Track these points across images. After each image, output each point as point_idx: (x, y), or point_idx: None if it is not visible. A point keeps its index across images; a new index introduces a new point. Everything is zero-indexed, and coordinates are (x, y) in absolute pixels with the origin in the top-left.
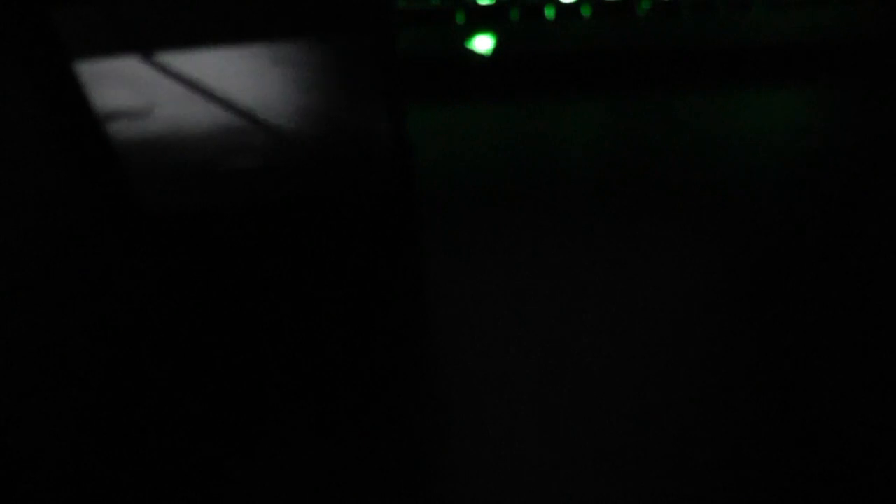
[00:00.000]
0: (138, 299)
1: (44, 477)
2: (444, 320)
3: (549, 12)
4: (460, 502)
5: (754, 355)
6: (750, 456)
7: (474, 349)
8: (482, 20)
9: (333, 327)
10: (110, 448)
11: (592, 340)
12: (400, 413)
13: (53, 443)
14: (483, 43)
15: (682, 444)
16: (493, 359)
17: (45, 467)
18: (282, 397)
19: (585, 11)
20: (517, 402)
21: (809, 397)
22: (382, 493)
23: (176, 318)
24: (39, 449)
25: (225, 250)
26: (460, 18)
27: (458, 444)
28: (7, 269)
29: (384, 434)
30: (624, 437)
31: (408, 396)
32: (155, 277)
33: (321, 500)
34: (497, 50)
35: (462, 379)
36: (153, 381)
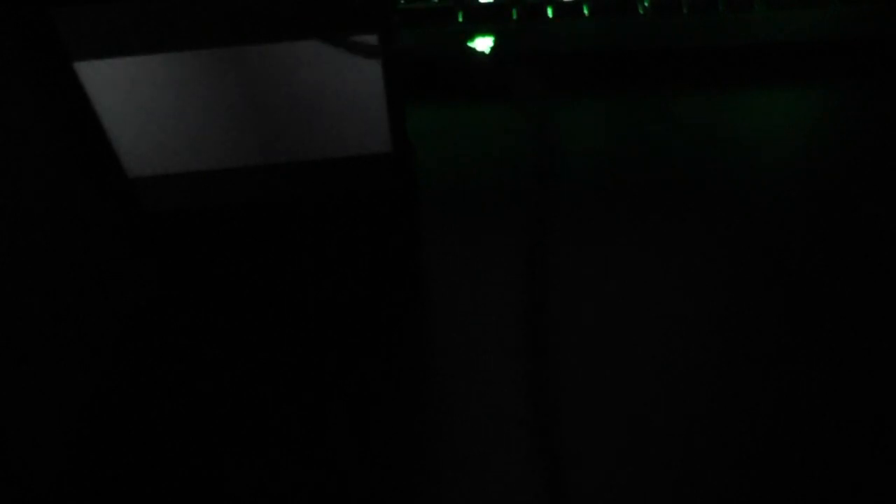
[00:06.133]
0: (138, 299)
1: (44, 477)
2: (443, 320)
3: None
4: (460, 502)
5: (756, 354)
6: (751, 456)
7: (474, 349)
8: (482, 20)
9: (333, 327)
10: (110, 448)
11: (593, 339)
12: (400, 413)
13: (53, 443)
14: (483, 43)
15: (682, 444)
16: (493, 358)
17: (45, 467)
18: (281, 397)
19: (585, 11)
20: (517, 402)
21: (811, 396)
22: (382, 492)
23: (176, 317)
24: (39, 449)
25: (225, 250)
26: (460, 18)
27: (457, 444)
28: (7, 269)
29: (384, 434)
30: (624, 436)
31: (408, 396)
32: (155, 277)
33: (320, 499)
34: (497, 50)
35: (462, 378)
36: (153, 380)
